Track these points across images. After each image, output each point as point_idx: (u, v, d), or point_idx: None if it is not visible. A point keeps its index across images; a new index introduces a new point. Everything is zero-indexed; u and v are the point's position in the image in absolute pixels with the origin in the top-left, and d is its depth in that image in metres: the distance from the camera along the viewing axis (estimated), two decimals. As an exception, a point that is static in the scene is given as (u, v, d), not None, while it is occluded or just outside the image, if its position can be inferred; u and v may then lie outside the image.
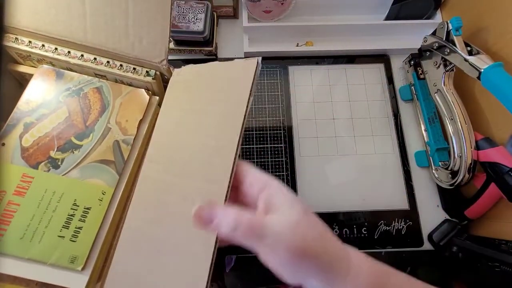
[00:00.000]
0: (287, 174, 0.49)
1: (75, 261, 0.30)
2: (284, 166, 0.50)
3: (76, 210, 0.32)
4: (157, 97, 0.37)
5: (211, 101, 0.32)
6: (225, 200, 0.26)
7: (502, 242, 0.39)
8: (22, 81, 0.39)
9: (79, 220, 0.31)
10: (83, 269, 0.30)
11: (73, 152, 0.33)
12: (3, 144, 0.32)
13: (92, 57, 0.36)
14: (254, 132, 0.51)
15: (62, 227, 0.31)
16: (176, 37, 0.52)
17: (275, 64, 0.56)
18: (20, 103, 0.34)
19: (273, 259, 0.21)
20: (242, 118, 0.29)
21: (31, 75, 0.36)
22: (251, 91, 0.30)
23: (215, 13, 0.55)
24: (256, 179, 0.25)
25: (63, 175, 0.32)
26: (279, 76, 0.55)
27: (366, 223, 0.47)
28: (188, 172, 0.29)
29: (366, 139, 0.52)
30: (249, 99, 0.30)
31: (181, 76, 0.34)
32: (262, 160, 0.50)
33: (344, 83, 0.55)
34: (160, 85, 0.38)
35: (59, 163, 0.33)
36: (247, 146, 0.51)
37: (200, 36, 0.51)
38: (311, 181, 0.49)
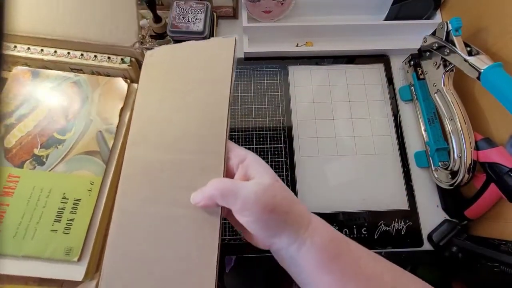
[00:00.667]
0: (287, 174, 0.49)
1: (71, 252, 0.31)
2: (284, 166, 0.50)
3: (66, 203, 0.32)
4: (136, 84, 0.38)
5: (192, 80, 0.32)
6: (224, 169, 0.27)
7: (502, 242, 0.39)
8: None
9: (70, 213, 0.32)
10: (79, 259, 0.31)
11: (57, 147, 0.34)
12: None
13: (65, 52, 0.36)
14: (254, 133, 0.51)
15: (54, 221, 0.31)
16: (175, 37, 0.52)
17: (275, 64, 0.56)
18: None
19: (247, 217, 0.24)
20: (228, 93, 0.29)
21: (5, 79, 0.36)
22: (233, 67, 0.30)
23: (214, 13, 0.55)
24: (236, 154, 0.28)
25: (49, 171, 0.33)
26: (279, 76, 0.55)
27: (366, 223, 0.47)
28: (180, 147, 0.29)
29: (366, 139, 0.52)
30: (232, 75, 0.30)
31: (154, 57, 0.33)
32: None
33: (344, 84, 0.55)
34: (137, 71, 0.39)
35: (44, 159, 0.33)
36: (247, 146, 0.50)
37: (199, 36, 0.51)
38: (311, 181, 0.49)
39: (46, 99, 0.36)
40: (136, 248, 0.26)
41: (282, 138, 0.51)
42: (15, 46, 0.35)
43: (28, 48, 0.36)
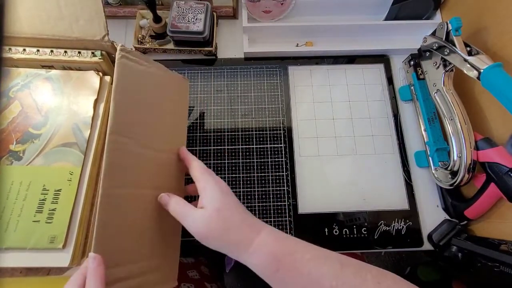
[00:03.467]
0: (287, 174, 0.49)
1: (55, 240, 0.32)
2: (284, 166, 0.50)
3: (46, 194, 0.33)
4: (109, 77, 0.38)
5: (160, 97, 0.38)
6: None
7: (502, 242, 0.39)
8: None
9: (51, 203, 0.33)
10: (64, 246, 0.32)
11: (33, 142, 0.34)
12: None
13: (34, 49, 0.36)
14: (254, 132, 0.51)
15: (36, 212, 0.32)
16: (175, 37, 0.52)
17: (275, 65, 0.56)
18: None
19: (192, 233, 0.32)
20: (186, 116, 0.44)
21: None
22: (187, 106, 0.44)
23: (214, 13, 0.55)
24: (198, 179, 0.34)
25: (27, 165, 0.34)
26: (279, 76, 0.55)
27: (366, 223, 0.47)
28: (156, 146, 0.36)
29: (366, 139, 0.52)
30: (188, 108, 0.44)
31: (130, 61, 0.35)
32: (262, 160, 0.50)
33: (344, 84, 0.55)
34: (109, 64, 0.39)
35: (21, 154, 0.34)
36: (247, 146, 0.51)
37: (199, 36, 0.51)
38: (311, 181, 0.49)
39: (18, 96, 0.36)
40: (124, 222, 0.31)
41: (282, 138, 0.51)
42: None
43: None
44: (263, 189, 0.48)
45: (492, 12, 0.45)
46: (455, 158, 0.44)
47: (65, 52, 0.36)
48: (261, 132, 0.52)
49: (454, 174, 0.44)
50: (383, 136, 0.52)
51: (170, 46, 0.54)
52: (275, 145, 0.51)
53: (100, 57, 0.36)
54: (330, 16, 0.58)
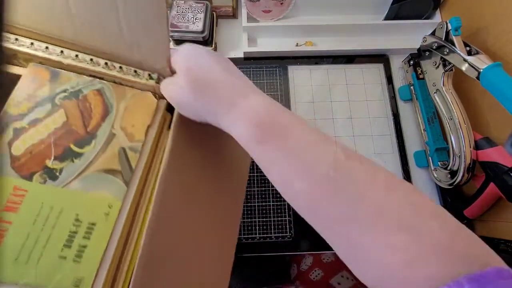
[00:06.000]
0: (287, 174, 0.49)
1: (80, 284, 0.27)
2: (284, 166, 0.50)
3: (79, 226, 0.28)
4: (165, 101, 0.34)
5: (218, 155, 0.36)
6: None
7: (501, 242, 0.39)
8: (7, 82, 0.36)
9: (83, 238, 0.28)
10: None
11: (73, 161, 0.29)
12: None
13: (88, 57, 0.33)
14: (253, 132, 0.51)
15: (63, 246, 0.27)
16: (175, 37, 0.52)
17: (275, 64, 0.56)
18: (8, 106, 0.31)
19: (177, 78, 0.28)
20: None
21: (17, 76, 0.32)
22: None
23: (214, 13, 0.55)
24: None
25: (62, 187, 0.29)
26: (279, 76, 0.55)
27: (365, 223, 0.47)
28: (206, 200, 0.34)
29: (366, 139, 0.52)
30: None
31: (183, 125, 0.32)
32: (262, 160, 0.50)
33: (344, 83, 0.55)
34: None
35: (57, 173, 0.29)
36: (247, 146, 0.51)
37: (199, 36, 0.51)
38: (310, 181, 0.49)
39: (65, 105, 0.31)
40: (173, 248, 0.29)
41: (282, 138, 0.51)
42: (32, 43, 0.32)
43: (47, 48, 0.32)
44: (263, 189, 0.48)
45: (492, 12, 0.45)
46: (455, 157, 0.44)
47: (121, 67, 0.33)
48: (260, 132, 0.51)
49: (453, 173, 0.44)
50: (382, 136, 0.52)
51: (170, 45, 0.54)
52: (275, 145, 0.51)
53: (156, 81, 0.33)
54: (330, 15, 0.58)
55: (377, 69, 0.56)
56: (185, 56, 0.28)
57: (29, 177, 0.28)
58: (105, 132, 0.31)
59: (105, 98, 0.32)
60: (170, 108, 0.33)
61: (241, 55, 0.56)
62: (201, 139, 0.34)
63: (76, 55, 0.33)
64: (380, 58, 0.57)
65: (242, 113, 0.24)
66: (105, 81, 0.33)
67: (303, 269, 0.58)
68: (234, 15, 0.58)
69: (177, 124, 0.30)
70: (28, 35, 0.32)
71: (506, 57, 0.41)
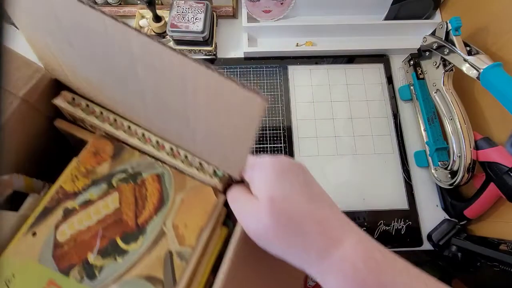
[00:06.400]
0: (287, 174, 0.49)
1: None
2: (284, 166, 0.50)
3: None
4: (223, 197, 0.29)
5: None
6: None
7: (502, 242, 0.39)
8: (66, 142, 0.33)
9: None
10: None
11: (116, 260, 0.26)
12: (34, 234, 0.26)
13: (154, 138, 0.29)
14: (253, 132, 0.51)
15: None
16: (175, 36, 0.52)
17: (275, 64, 0.56)
18: (64, 180, 0.27)
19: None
20: None
21: (79, 139, 0.29)
22: None
23: (214, 13, 0.55)
24: (245, 172, 0.26)
25: None
26: (279, 76, 0.55)
27: (365, 223, 0.47)
28: None
29: (366, 139, 0.52)
30: None
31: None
32: (262, 160, 0.50)
33: (344, 83, 0.55)
34: (224, 184, 0.31)
35: (97, 272, 0.25)
36: (247, 146, 0.51)
37: (199, 36, 0.51)
38: (310, 181, 0.49)
39: (121, 188, 0.28)
40: None
41: (282, 138, 0.51)
42: (102, 113, 0.29)
43: (115, 120, 0.29)
44: None
45: (492, 12, 0.45)
46: (455, 157, 0.44)
47: (186, 157, 0.29)
48: (260, 132, 0.51)
49: (453, 173, 0.44)
50: (382, 136, 0.52)
51: (170, 45, 0.54)
52: (275, 145, 0.51)
53: (220, 178, 0.28)
54: (330, 15, 0.58)
55: (377, 69, 0.56)
56: (267, 181, 0.23)
57: (67, 271, 0.25)
58: (155, 228, 0.27)
59: (163, 186, 0.28)
60: (226, 203, 0.29)
61: (241, 55, 0.56)
62: (258, 257, 0.29)
63: (143, 134, 0.29)
64: (380, 58, 0.57)
65: (335, 265, 0.20)
66: (166, 166, 0.29)
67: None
68: (234, 15, 0.58)
69: (239, 244, 0.26)
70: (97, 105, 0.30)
71: (506, 57, 0.41)
